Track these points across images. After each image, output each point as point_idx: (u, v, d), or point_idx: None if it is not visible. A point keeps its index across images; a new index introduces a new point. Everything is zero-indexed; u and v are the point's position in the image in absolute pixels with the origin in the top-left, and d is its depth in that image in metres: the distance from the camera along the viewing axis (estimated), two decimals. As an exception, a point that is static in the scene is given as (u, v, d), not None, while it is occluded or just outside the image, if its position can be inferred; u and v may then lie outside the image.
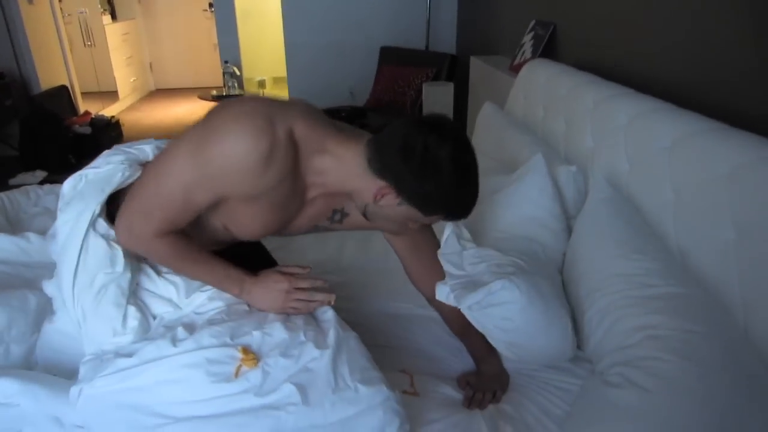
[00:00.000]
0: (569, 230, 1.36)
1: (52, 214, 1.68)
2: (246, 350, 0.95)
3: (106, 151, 1.22)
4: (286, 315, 1.08)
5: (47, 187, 1.87)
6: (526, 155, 1.61)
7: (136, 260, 1.10)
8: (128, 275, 1.06)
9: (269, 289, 1.08)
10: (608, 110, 1.50)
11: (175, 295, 1.10)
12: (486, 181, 1.56)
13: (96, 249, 1.06)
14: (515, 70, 2.47)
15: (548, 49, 2.39)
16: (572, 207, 1.41)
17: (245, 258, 1.16)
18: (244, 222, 1.05)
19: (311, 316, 1.10)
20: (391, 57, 3.78)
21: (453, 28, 4.07)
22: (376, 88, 3.69)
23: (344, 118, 3.16)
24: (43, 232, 1.58)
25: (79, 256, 1.06)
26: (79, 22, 5.89)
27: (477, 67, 2.97)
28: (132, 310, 1.05)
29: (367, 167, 0.95)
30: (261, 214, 1.02)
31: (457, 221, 1.12)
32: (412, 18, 3.94)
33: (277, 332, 1.00)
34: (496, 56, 3.05)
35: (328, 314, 1.09)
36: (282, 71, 4.34)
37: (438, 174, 0.90)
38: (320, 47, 4.04)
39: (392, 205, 0.96)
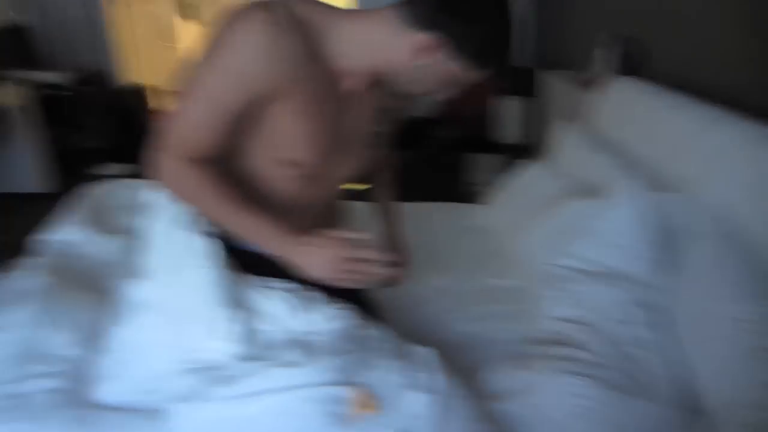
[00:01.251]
0: (665, 265, 1.28)
1: (138, 208, 1.75)
2: (366, 393, 0.90)
3: None
4: (399, 350, 1.00)
5: (135, 180, 1.94)
6: (613, 179, 1.56)
7: (236, 265, 1.06)
8: (227, 275, 1.00)
9: (320, 254, 0.92)
10: (712, 135, 1.41)
11: (285, 311, 1.02)
12: (569, 206, 1.54)
13: (195, 246, 1.02)
14: (584, 85, 2.40)
15: (629, 65, 2.30)
16: (674, 240, 1.32)
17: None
18: (289, 134, 0.95)
19: (419, 356, 1.02)
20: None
21: (530, 39, 3.98)
22: (448, 99, 3.67)
23: (410, 129, 3.16)
24: (129, 227, 1.65)
25: (180, 254, 1.02)
26: (157, 23, 6.11)
27: (552, 82, 2.92)
28: (236, 316, 0.98)
29: (402, 25, 0.88)
30: (302, 117, 0.93)
31: (498, 71, 0.96)
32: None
33: (392, 374, 0.95)
34: (571, 71, 2.98)
35: (432, 355, 1.03)
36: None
37: (490, 14, 0.88)
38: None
39: (437, 62, 0.89)
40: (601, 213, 1.39)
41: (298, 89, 0.91)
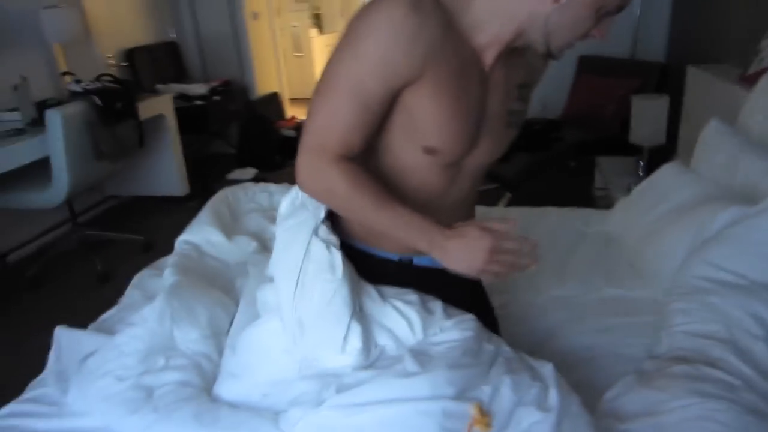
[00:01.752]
0: None
1: (264, 212, 1.85)
2: (481, 409, 0.86)
3: None
4: (515, 364, 0.96)
5: (261, 185, 2.06)
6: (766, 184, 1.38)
7: (356, 276, 1.05)
8: (347, 285, 0.99)
9: (470, 246, 0.89)
10: None
11: (406, 329, 0.99)
12: (713, 212, 1.38)
13: (318, 254, 1.01)
14: (749, 80, 2.14)
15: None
16: None
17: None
18: (432, 118, 0.91)
19: (534, 370, 0.97)
20: (589, 66, 3.55)
21: (664, 33, 3.70)
22: (573, 99, 3.49)
23: (538, 130, 3.04)
24: (256, 231, 1.75)
25: (303, 262, 1.00)
26: (292, 35, 6.51)
27: (696, 78, 2.65)
28: (356, 328, 0.96)
29: None
30: (444, 99, 0.89)
31: None
32: (616, 23, 3.65)
33: (506, 389, 0.90)
34: (721, 65, 2.69)
35: (547, 369, 0.97)
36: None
37: None
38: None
39: None
40: (750, 220, 1.23)
41: (438, 71, 0.87)
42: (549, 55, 0.92)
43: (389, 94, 0.87)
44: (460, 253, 0.90)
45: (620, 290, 1.52)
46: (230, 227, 1.76)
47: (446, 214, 1.04)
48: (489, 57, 0.93)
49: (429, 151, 0.94)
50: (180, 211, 3.48)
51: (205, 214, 1.74)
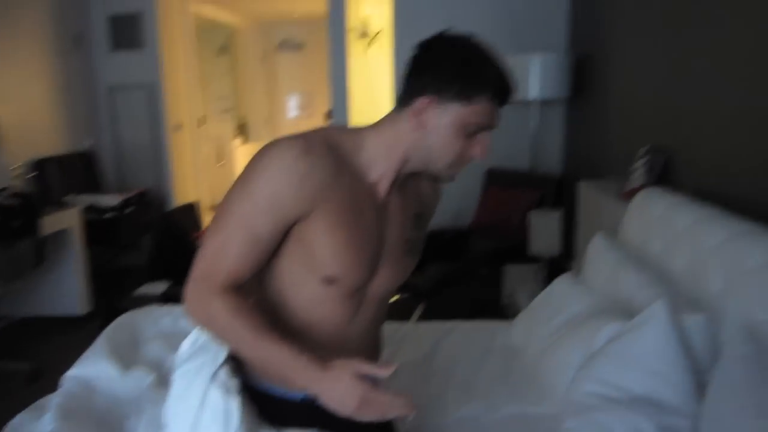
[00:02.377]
0: (700, 388, 1.20)
1: (166, 339, 1.77)
2: None
3: None
4: None
5: (165, 308, 1.99)
6: (644, 297, 1.48)
7: (257, 423, 1.02)
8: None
9: (342, 391, 0.89)
10: (740, 249, 1.37)
11: None
12: (598, 327, 1.46)
13: (214, 403, 0.98)
14: (627, 197, 2.37)
15: (662, 177, 2.29)
16: (702, 362, 1.25)
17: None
18: (328, 249, 0.96)
19: None
20: (496, 179, 3.81)
21: (560, 149, 4.06)
22: (481, 210, 3.69)
23: (448, 240, 3.16)
24: (155, 361, 1.66)
25: (197, 412, 0.98)
26: (215, 145, 6.60)
27: (586, 192, 2.89)
28: None
29: (400, 110, 0.98)
30: (339, 231, 0.96)
31: (504, 99, 0.98)
32: (517, 140, 3.99)
33: None
34: (607, 181, 2.97)
35: None
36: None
37: (462, 50, 0.95)
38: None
39: (437, 115, 0.95)
40: (627, 336, 1.32)
41: (330, 207, 0.95)
42: (437, 178, 1.02)
43: (278, 230, 0.94)
44: (334, 393, 0.90)
45: (523, 407, 1.54)
46: (128, 358, 1.66)
47: (352, 343, 1.07)
48: (382, 189, 1.02)
49: (328, 280, 0.99)
50: (78, 333, 3.25)
51: (99, 344, 1.65)
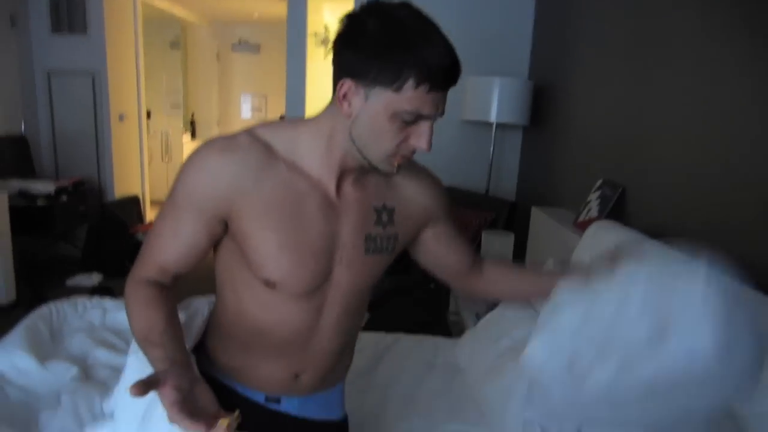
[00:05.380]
0: None
1: (92, 333, 1.65)
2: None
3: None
4: None
5: (95, 300, 1.86)
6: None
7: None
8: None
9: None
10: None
11: None
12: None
13: None
14: (580, 227, 2.40)
15: (616, 211, 2.33)
16: None
17: None
18: (260, 251, 0.90)
19: None
20: (452, 197, 3.81)
21: (514, 175, 4.12)
22: (433, 227, 3.68)
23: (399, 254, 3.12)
24: (78, 354, 1.54)
25: (150, 402, 0.90)
26: (161, 139, 6.37)
27: (538, 218, 2.93)
28: None
29: (333, 99, 0.88)
30: (269, 232, 0.89)
31: (437, 83, 0.82)
32: (474, 161, 4.03)
33: None
34: (559, 209, 3.01)
35: None
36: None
37: (385, 23, 0.80)
38: (381, 182, 4.14)
39: (362, 101, 0.83)
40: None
41: (256, 206, 0.89)
42: (373, 168, 0.91)
43: (201, 228, 0.91)
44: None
45: (464, 426, 1.51)
46: (47, 349, 1.54)
47: (317, 348, 1.01)
48: (330, 184, 0.93)
49: (269, 284, 0.93)
50: (0, 322, 3.03)
51: (16, 333, 1.52)
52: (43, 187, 3.72)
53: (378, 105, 0.82)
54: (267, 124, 0.95)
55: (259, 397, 1.04)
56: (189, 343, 1.01)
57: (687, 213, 1.87)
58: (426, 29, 0.81)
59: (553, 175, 3.38)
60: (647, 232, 1.84)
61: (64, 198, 3.81)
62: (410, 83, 0.80)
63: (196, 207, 0.89)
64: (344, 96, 0.85)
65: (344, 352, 1.10)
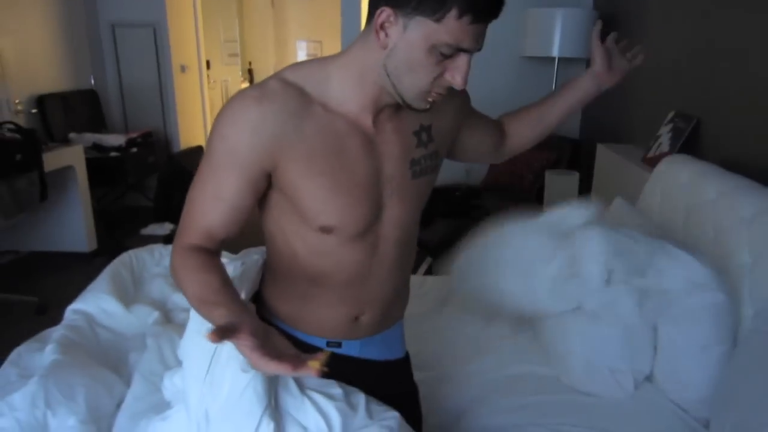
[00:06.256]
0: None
1: (169, 278, 1.74)
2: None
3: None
4: None
5: (169, 248, 1.95)
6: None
7: None
8: (262, 377, 0.89)
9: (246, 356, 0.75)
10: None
11: (324, 428, 0.90)
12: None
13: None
14: (650, 163, 2.29)
15: (689, 144, 2.21)
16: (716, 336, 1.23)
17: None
18: (314, 198, 0.89)
19: None
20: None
21: (578, 112, 3.95)
22: (493, 168, 3.62)
23: (459, 197, 3.10)
24: (159, 299, 1.64)
25: (216, 347, 0.91)
26: (221, 89, 6.47)
27: (604, 156, 2.81)
28: (267, 426, 0.87)
29: (366, 30, 0.85)
30: (319, 177, 0.87)
31: (481, 15, 0.78)
32: (535, 99, 3.88)
33: None
34: (627, 145, 2.88)
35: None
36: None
37: None
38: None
39: (399, 32, 0.80)
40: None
41: (300, 154, 0.87)
42: (406, 104, 0.89)
43: (245, 186, 0.87)
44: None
45: (530, 366, 1.52)
46: (131, 295, 1.64)
47: (375, 288, 1.01)
48: (367, 120, 0.91)
49: (325, 230, 0.92)
50: (85, 269, 3.26)
51: (102, 279, 1.62)
52: (114, 139, 3.89)
53: (417, 36, 0.79)
54: (296, 66, 0.92)
55: (320, 343, 1.04)
56: (247, 294, 1.02)
57: (765, 147, 1.75)
58: None
59: (620, 110, 3.21)
60: (724, 165, 1.73)
61: (134, 150, 3.97)
62: (453, 13, 0.76)
63: (239, 164, 0.85)
64: (381, 25, 0.81)
65: (401, 289, 1.10)
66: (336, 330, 1.04)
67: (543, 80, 3.79)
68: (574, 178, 2.55)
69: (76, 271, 3.30)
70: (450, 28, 0.77)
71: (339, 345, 1.06)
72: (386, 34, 0.81)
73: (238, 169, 0.86)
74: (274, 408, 0.90)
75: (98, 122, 4.29)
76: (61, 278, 3.24)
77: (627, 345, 1.38)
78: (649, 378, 1.42)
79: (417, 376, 1.23)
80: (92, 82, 4.34)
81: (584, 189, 2.99)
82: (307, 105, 0.87)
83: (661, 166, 1.94)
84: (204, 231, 0.89)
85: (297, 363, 0.72)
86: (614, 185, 2.56)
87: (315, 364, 0.71)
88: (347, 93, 0.89)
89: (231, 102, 0.87)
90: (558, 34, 3.26)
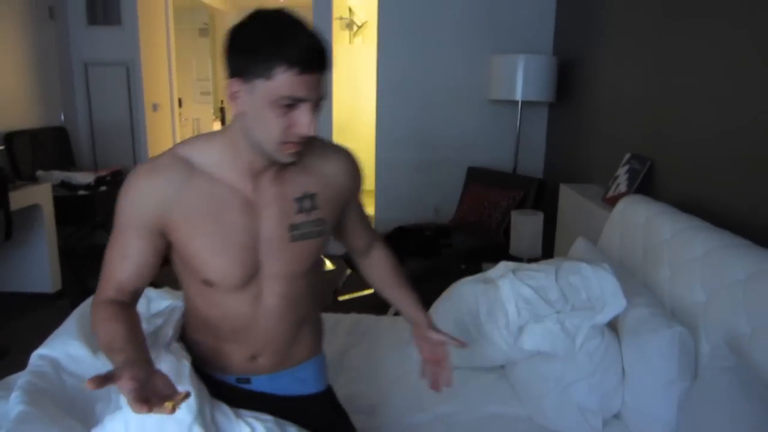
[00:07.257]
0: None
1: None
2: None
3: None
4: None
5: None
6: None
7: (206, 391, 1.05)
8: (194, 395, 0.96)
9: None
10: (722, 262, 1.38)
11: None
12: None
13: (166, 362, 1.01)
14: (609, 202, 2.40)
15: (645, 185, 2.32)
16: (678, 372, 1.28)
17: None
18: (196, 256, 1.02)
19: None
20: (478, 177, 3.81)
21: (541, 152, 4.09)
22: (462, 207, 3.70)
23: (429, 236, 3.16)
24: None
25: None
26: (193, 127, 6.49)
27: (567, 195, 2.92)
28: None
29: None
30: (200, 239, 1.01)
31: (305, 65, 0.89)
32: (500, 140, 4.01)
33: None
34: (588, 185, 3.00)
35: None
36: (371, 185, 4.47)
37: (255, 25, 0.91)
38: (408, 164, 4.16)
39: (247, 96, 0.91)
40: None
41: (184, 216, 0.99)
42: (274, 160, 0.99)
43: (145, 245, 1.01)
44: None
45: (500, 407, 1.55)
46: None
47: (265, 333, 1.12)
48: (247, 186, 1.02)
49: (207, 283, 1.05)
50: (48, 311, 3.19)
51: (69, 323, 1.58)
52: (83, 177, 3.85)
53: (259, 95, 0.90)
54: (187, 142, 1.05)
55: (231, 380, 1.16)
56: (174, 334, 1.15)
57: (716, 185, 1.85)
58: (291, 23, 0.90)
59: (580, 151, 3.35)
60: (676, 205, 1.83)
61: (103, 188, 3.93)
62: (281, 69, 0.88)
63: (134, 227, 1.00)
64: (233, 95, 0.93)
65: (300, 332, 1.18)
66: (240, 368, 1.15)
67: (508, 121, 3.93)
68: (538, 218, 2.63)
69: (38, 313, 3.22)
70: (283, 82, 0.88)
71: (248, 381, 1.16)
72: (238, 102, 0.94)
73: (135, 231, 1.00)
74: (210, 423, 0.98)
75: (67, 160, 4.25)
76: (23, 320, 3.14)
77: (597, 385, 1.43)
78: (617, 416, 1.47)
79: (380, 422, 1.24)
80: (62, 119, 4.32)
81: (549, 228, 3.08)
82: (192, 175, 1.00)
83: (619, 206, 2.03)
84: (116, 285, 1.02)
85: (155, 403, 0.79)
86: (577, 224, 2.65)
87: (169, 405, 0.78)
88: (226, 162, 1.02)
89: (128, 177, 1.02)
90: (520, 78, 3.40)
